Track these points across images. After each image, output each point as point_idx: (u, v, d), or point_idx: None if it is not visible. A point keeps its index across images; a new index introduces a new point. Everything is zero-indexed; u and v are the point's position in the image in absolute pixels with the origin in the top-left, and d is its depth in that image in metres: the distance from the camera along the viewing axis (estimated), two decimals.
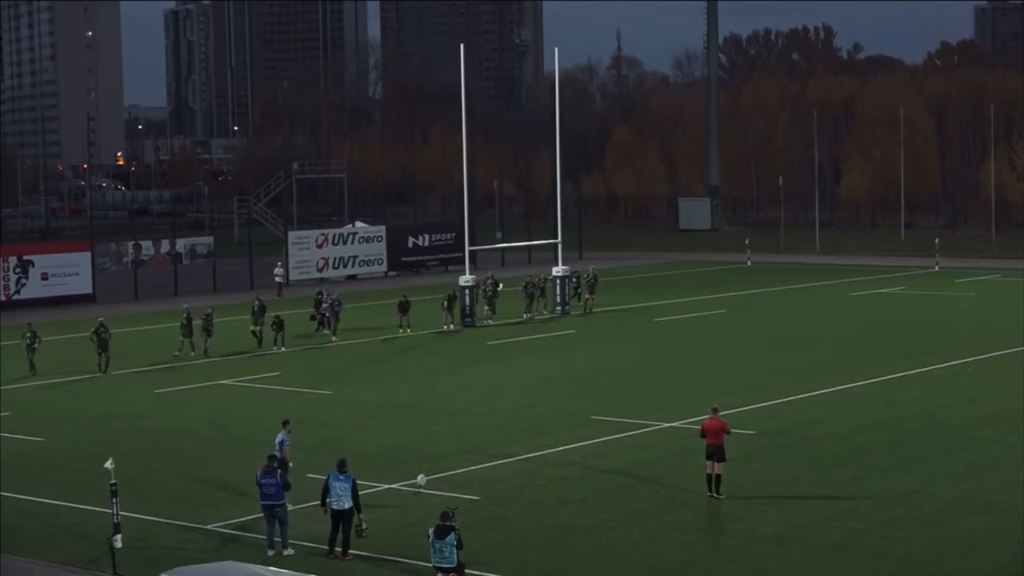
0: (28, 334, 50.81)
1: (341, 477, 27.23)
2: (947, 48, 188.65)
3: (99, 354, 50.59)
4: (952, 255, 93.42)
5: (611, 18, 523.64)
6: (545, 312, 65.69)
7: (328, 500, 27.21)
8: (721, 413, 32.50)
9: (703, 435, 31.62)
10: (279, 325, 55.68)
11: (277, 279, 78.96)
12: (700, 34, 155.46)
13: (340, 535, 27.23)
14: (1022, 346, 53.63)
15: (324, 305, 59.63)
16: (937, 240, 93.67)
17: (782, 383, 45.75)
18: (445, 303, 61.31)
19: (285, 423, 32.00)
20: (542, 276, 67.26)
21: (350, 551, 27.19)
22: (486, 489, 32.21)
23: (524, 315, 64.09)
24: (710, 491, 31.06)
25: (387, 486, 32.55)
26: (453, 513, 23.79)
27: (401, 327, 59.38)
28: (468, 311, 62.47)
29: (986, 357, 51.40)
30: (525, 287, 65.16)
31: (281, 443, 31.22)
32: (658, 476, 33.42)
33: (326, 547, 27.38)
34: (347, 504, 27.01)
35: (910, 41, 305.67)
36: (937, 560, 26.63)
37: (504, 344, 56.62)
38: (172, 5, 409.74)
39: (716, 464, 31.18)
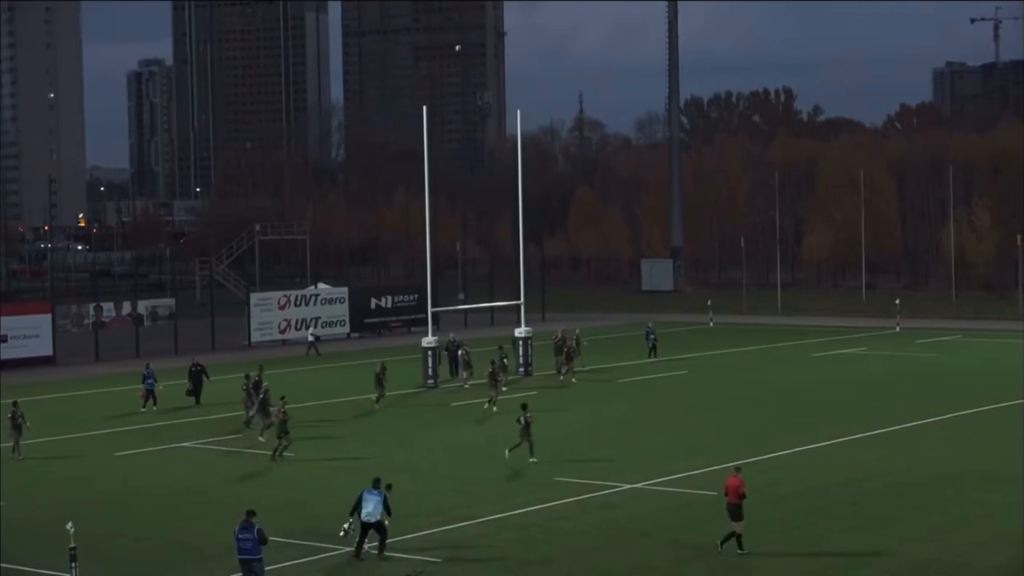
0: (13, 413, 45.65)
1: (374, 492, 31.30)
2: (907, 110, 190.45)
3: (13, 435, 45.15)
4: (913, 316, 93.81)
5: (573, 81, 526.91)
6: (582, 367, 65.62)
7: (359, 512, 31.27)
8: (738, 471, 32.50)
9: (725, 493, 31.89)
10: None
11: (310, 339, 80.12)
12: (662, 96, 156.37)
13: (377, 542, 31.16)
14: (984, 406, 53.86)
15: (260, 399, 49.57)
16: (898, 301, 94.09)
17: (745, 444, 45.72)
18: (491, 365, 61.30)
19: (382, 483, 32.20)
20: (576, 333, 67.92)
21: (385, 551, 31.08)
22: (447, 551, 32.05)
23: (560, 376, 63.70)
24: (720, 546, 31.28)
25: (348, 548, 32.32)
26: (420, 575, 23.64)
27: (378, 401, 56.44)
28: (432, 373, 62.31)
29: (948, 417, 51.54)
30: (558, 345, 65.30)
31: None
32: (621, 537, 33.31)
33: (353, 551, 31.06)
34: (377, 517, 31.11)
35: (870, 104, 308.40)
36: None
37: (467, 405, 56.45)
38: (135, 67, 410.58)
39: (731, 523, 31.38)
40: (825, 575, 29.78)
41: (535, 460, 41.79)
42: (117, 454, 46.19)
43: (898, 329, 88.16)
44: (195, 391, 57.07)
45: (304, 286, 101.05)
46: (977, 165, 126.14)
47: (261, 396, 48.81)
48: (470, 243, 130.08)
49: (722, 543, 31.35)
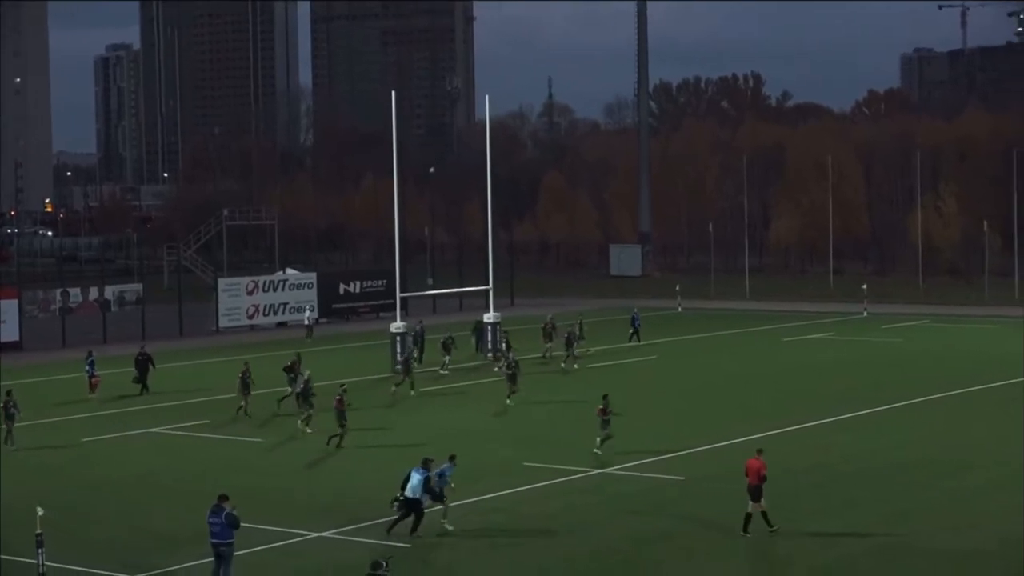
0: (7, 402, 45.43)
1: (420, 470, 31.78)
2: (874, 96, 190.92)
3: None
4: (880, 301, 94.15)
5: (542, 66, 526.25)
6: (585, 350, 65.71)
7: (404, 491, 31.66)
8: (760, 453, 32.79)
9: (746, 474, 32.16)
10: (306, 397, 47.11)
11: (307, 322, 79.86)
12: (630, 82, 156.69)
13: (412, 519, 31.55)
14: (950, 391, 54.15)
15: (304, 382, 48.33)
16: (865, 286, 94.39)
17: (712, 429, 45.86)
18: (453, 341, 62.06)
19: (452, 457, 33.01)
20: (580, 317, 68.76)
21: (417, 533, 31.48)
22: (415, 536, 32.06)
23: (562, 364, 63.17)
24: (744, 530, 31.55)
25: (317, 534, 32.35)
26: (388, 562, 23.59)
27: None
28: (401, 356, 62.21)
29: (915, 402, 51.81)
30: (547, 331, 65.46)
31: (442, 474, 32.32)
32: (588, 523, 33.40)
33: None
34: (416, 494, 31.54)
35: (838, 89, 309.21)
36: None
37: (434, 392, 56.41)
38: (102, 51, 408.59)
39: (751, 503, 31.65)
40: (794, 559, 29.92)
41: (599, 451, 40.91)
42: (85, 440, 46.06)
43: (865, 314, 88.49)
44: (141, 379, 56.61)
45: (272, 271, 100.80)
46: (944, 151, 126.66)
47: (301, 387, 47.30)
48: (439, 228, 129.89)
49: (745, 527, 31.63)
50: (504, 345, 62.09)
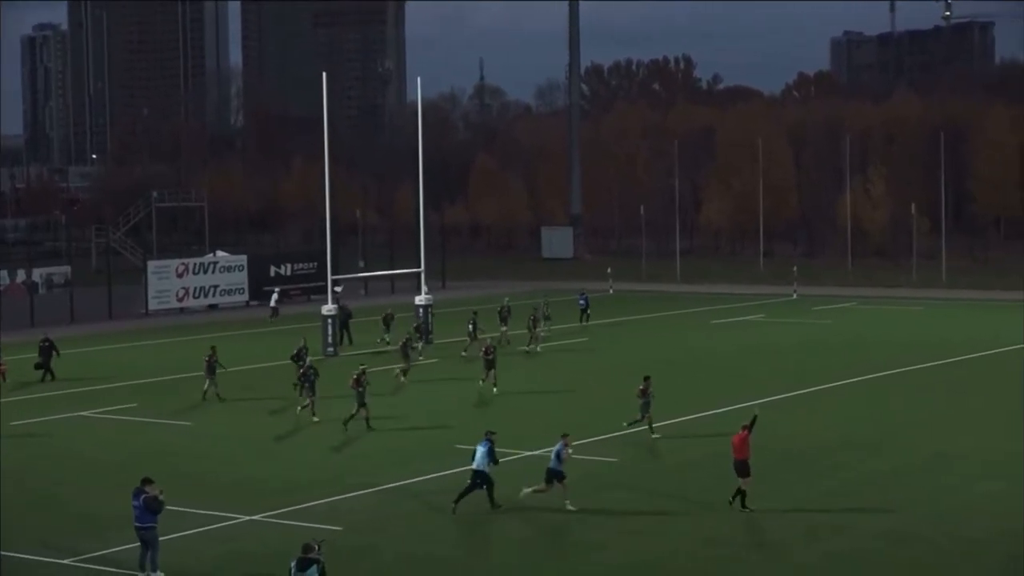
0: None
1: (484, 442, 32.62)
2: (804, 79, 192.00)
3: None
4: (810, 283, 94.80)
5: (474, 48, 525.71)
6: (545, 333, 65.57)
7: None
8: (744, 428, 32.96)
9: (733, 451, 32.46)
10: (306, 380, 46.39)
11: (272, 303, 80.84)
12: (562, 64, 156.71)
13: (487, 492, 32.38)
14: (877, 373, 54.63)
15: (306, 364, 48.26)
16: (795, 268, 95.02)
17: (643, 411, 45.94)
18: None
19: (565, 436, 33.05)
20: (543, 301, 69.09)
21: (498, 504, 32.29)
22: (349, 520, 32.01)
23: (527, 347, 62.74)
24: (731, 502, 31.99)
25: (248, 517, 32.22)
26: (319, 545, 23.45)
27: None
28: (331, 340, 62.09)
29: (843, 384, 52.21)
30: (502, 315, 65.09)
31: (558, 454, 32.44)
32: (518, 505, 33.45)
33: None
34: (482, 466, 32.30)
35: (768, 73, 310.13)
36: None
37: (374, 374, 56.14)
38: (29, 31, 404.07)
39: (739, 479, 32.02)
40: (723, 539, 30.07)
41: (656, 436, 41.01)
42: (13, 423, 45.61)
43: (795, 296, 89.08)
44: (44, 365, 55.95)
45: (202, 254, 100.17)
46: (873, 134, 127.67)
47: (302, 371, 46.83)
48: (370, 211, 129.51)
49: (732, 499, 32.08)
50: (471, 326, 61.90)
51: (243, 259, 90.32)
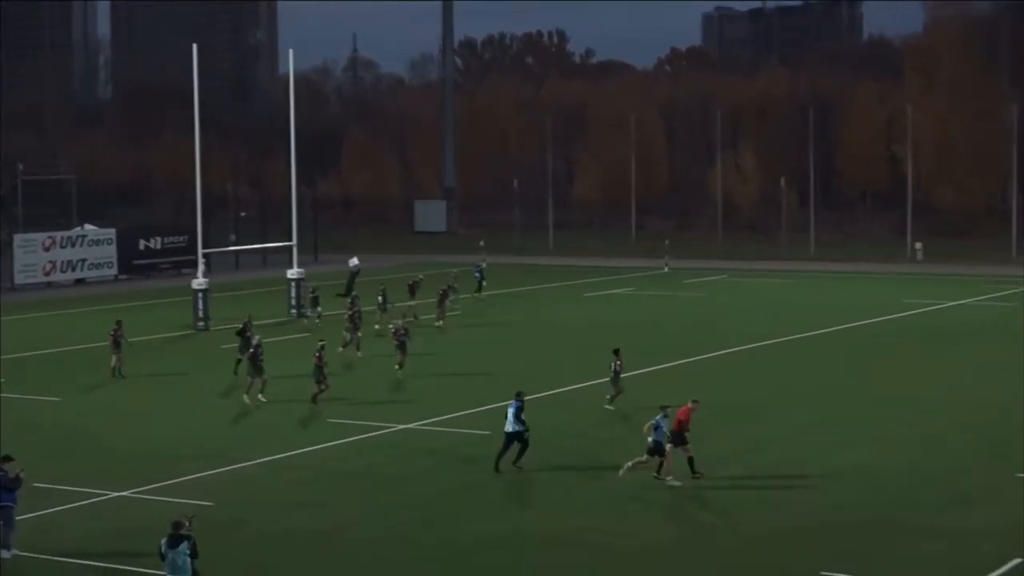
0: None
1: (514, 403, 33.06)
2: (676, 54, 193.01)
3: None
4: (681, 256, 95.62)
5: (347, 19, 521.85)
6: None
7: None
8: (694, 403, 33.49)
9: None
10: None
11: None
12: (435, 36, 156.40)
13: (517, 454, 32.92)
14: (746, 344, 55.30)
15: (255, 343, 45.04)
16: (667, 241, 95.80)
17: (518, 383, 45.89)
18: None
19: (665, 407, 32.43)
20: (453, 274, 69.93)
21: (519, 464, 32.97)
22: (220, 494, 31.74)
23: (437, 323, 62.22)
24: (693, 473, 32.27)
25: (116, 493, 31.83)
26: (190, 521, 23.12)
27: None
28: (203, 314, 61.53)
29: (716, 355, 52.76)
30: (411, 288, 64.67)
31: (657, 426, 31.88)
32: (393, 476, 33.44)
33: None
34: (514, 427, 32.82)
35: (641, 47, 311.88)
36: (676, 545, 27.30)
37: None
38: None
39: (678, 448, 32.24)
40: (592, 509, 30.26)
41: (611, 407, 41.17)
42: None
43: (666, 269, 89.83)
44: None
45: (70, 227, 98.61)
46: (744, 109, 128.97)
47: (251, 351, 43.98)
48: (242, 184, 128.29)
49: (692, 472, 32.28)
50: (381, 298, 61.50)
51: (112, 232, 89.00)
